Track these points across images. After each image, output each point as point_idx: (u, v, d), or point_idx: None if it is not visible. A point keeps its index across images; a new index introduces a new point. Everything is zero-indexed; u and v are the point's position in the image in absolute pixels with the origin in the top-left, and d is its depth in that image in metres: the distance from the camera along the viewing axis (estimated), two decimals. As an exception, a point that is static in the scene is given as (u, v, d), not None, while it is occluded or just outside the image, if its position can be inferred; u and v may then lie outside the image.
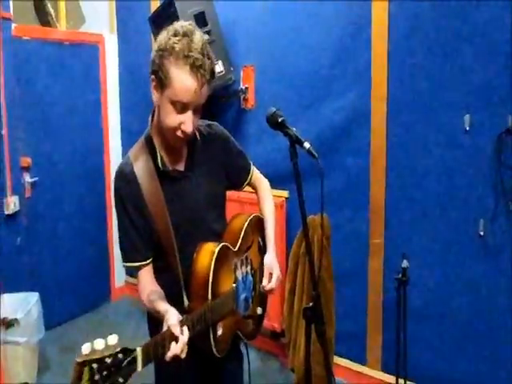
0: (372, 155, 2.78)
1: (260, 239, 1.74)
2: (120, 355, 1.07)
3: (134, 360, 1.11)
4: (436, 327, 2.67)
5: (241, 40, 3.26)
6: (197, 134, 1.50)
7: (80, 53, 3.88)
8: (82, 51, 3.90)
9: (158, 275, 1.50)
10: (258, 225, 1.72)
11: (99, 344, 1.03)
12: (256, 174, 1.76)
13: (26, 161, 3.48)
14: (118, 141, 4.24)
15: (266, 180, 1.80)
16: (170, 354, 1.20)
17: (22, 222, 3.47)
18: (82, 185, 3.93)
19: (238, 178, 1.70)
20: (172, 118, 1.34)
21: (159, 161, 1.43)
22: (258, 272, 1.70)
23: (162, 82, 1.33)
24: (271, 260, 1.59)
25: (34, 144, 3.56)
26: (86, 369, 1.00)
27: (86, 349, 1.02)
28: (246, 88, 3.24)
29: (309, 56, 2.97)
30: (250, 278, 1.61)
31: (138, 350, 1.11)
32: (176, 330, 1.22)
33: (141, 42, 3.94)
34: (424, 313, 2.69)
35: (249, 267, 1.62)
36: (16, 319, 2.81)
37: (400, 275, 2.48)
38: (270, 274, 1.56)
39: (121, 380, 1.07)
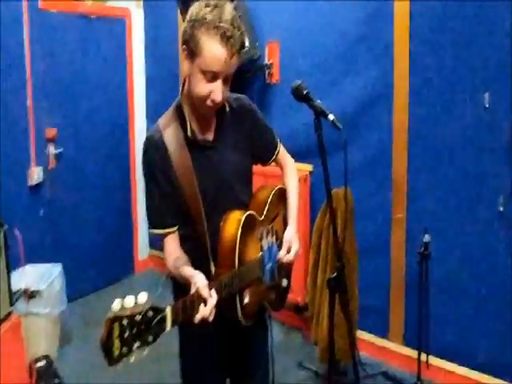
0: (394, 130, 2.78)
1: (285, 211, 1.73)
2: (150, 313, 1.07)
3: (164, 319, 1.11)
4: (458, 302, 2.66)
5: (266, 15, 3.27)
6: (226, 105, 1.52)
7: (106, 27, 3.86)
8: (109, 25, 3.88)
9: (185, 243, 1.51)
10: (283, 197, 1.72)
11: (129, 301, 1.03)
12: (282, 151, 1.75)
13: (52, 132, 3.48)
14: (143, 114, 4.24)
15: (292, 159, 1.80)
16: (198, 316, 1.22)
17: (46, 193, 3.47)
18: (106, 157, 3.91)
19: (265, 153, 1.70)
20: (202, 87, 1.36)
21: (189, 129, 1.45)
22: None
23: (193, 52, 1.35)
24: (291, 234, 1.59)
25: (60, 116, 3.55)
26: (116, 325, 1.00)
27: (116, 305, 1.01)
28: (271, 63, 3.25)
29: (333, 32, 2.98)
30: (275, 248, 1.61)
31: (168, 309, 1.12)
32: (205, 292, 1.24)
33: (167, 17, 3.93)
34: (446, 287, 2.69)
35: (274, 237, 1.63)
36: (38, 290, 2.80)
37: (422, 249, 2.49)
38: (289, 248, 1.56)
39: (150, 339, 1.07)
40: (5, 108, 3.13)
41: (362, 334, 3.01)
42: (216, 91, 1.36)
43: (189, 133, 1.45)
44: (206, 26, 1.32)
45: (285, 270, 1.70)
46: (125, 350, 1.02)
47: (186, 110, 1.48)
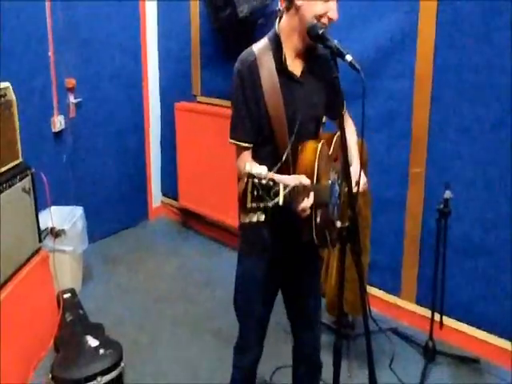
0: (417, 79, 2.63)
1: (341, 158, 1.74)
2: (270, 183, 1.21)
3: (277, 193, 1.22)
4: (476, 263, 2.60)
5: None
6: (317, 49, 1.65)
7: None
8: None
9: (265, 159, 1.57)
10: (341, 145, 1.75)
11: (256, 168, 1.20)
12: (348, 113, 1.84)
13: (71, 82, 3.55)
14: (156, 65, 4.25)
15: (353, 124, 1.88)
16: (302, 205, 1.39)
17: (68, 140, 3.60)
18: (122, 107, 4.01)
19: (337, 108, 1.68)
20: (320, 7, 1.52)
21: (283, 58, 1.59)
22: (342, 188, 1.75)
23: None
24: (357, 170, 1.66)
25: (78, 66, 3.61)
26: (250, 181, 1.18)
27: (248, 166, 1.20)
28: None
29: None
30: (337, 186, 1.69)
31: (281, 186, 1.23)
32: (307, 181, 1.42)
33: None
34: (463, 247, 2.62)
35: (337, 176, 1.71)
36: (63, 230, 3.03)
37: (442, 206, 2.40)
38: (357, 182, 1.63)
39: (269, 204, 1.20)
40: (28, 58, 3.19)
41: (372, 290, 2.97)
42: (333, 9, 1.53)
43: (282, 62, 1.58)
44: None
45: (341, 215, 1.77)
46: (254, 205, 1.19)
47: (284, 42, 1.60)
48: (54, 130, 3.44)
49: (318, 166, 1.51)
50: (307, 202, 1.40)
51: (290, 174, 1.52)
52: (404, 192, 2.79)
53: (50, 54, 3.34)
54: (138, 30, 4.03)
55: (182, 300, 3.22)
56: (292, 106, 1.60)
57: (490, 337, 2.60)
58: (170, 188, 4.37)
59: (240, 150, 1.64)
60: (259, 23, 3.18)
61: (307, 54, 1.64)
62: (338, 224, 1.69)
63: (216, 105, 3.74)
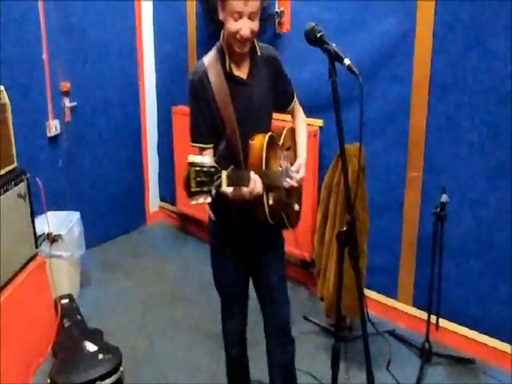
0: (414, 83, 2.63)
1: (295, 147, 1.97)
2: (212, 169, 1.38)
3: (219, 178, 1.40)
4: (472, 266, 2.62)
5: None
6: (258, 50, 1.81)
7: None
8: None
9: (221, 159, 1.74)
10: (294, 136, 1.98)
11: (198, 157, 1.38)
12: (297, 103, 2.00)
13: (66, 85, 3.53)
14: (153, 68, 4.23)
15: (303, 114, 2.04)
16: (248, 189, 1.54)
17: (63, 144, 3.58)
18: (118, 110, 4.00)
19: (285, 101, 1.95)
20: (232, 26, 1.66)
21: (227, 66, 1.75)
22: None
23: (223, 0, 1.65)
24: (301, 162, 1.87)
25: (73, 70, 3.59)
26: (193, 169, 1.35)
27: (191, 157, 1.37)
28: (282, 11, 3.10)
29: None
30: (289, 172, 1.83)
31: (224, 173, 1.41)
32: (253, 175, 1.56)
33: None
34: (460, 250, 2.63)
35: (289, 164, 1.87)
36: (60, 235, 3.02)
37: (438, 209, 2.42)
38: (297, 171, 1.84)
39: (212, 190, 1.38)
40: (22, 61, 3.16)
41: (369, 293, 2.99)
42: (243, 27, 1.65)
43: (227, 69, 1.75)
44: None
45: (296, 196, 1.97)
46: (198, 189, 1.35)
47: (226, 51, 1.77)
48: (49, 135, 3.41)
49: (266, 154, 1.67)
50: (256, 186, 1.55)
51: (245, 168, 1.70)
52: (401, 196, 2.80)
53: (44, 57, 3.31)
54: (134, 32, 4.01)
55: (181, 304, 3.22)
56: (241, 107, 1.76)
57: (486, 338, 2.62)
58: (167, 193, 4.37)
59: (202, 151, 1.80)
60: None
61: (251, 57, 1.80)
62: (296, 207, 1.95)
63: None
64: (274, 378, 2.04)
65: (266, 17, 3.08)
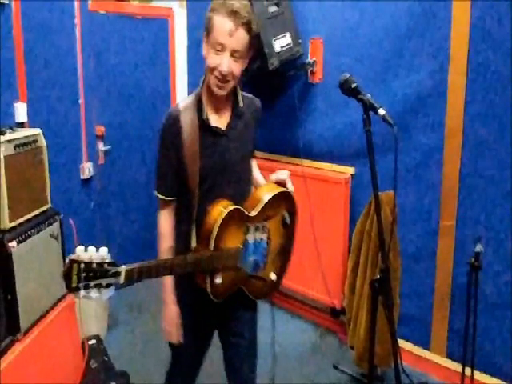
0: (447, 132, 2.64)
1: (286, 214, 1.77)
2: (106, 265, 1.32)
3: (119, 274, 1.36)
4: (507, 317, 2.54)
5: (309, 12, 3.19)
6: (241, 100, 1.69)
7: (150, 26, 3.96)
8: (153, 25, 3.98)
9: (179, 213, 1.72)
10: (287, 201, 1.77)
11: (90, 250, 1.32)
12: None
13: (100, 129, 3.64)
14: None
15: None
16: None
17: (96, 186, 3.66)
18: (150, 154, 4.05)
19: (252, 150, 1.84)
20: (212, 59, 1.54)
21: (204, 114, 1.61)
22: (278, 243, 1.76)
23: (208, 31, 1.55)
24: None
25: (108, 114, 3.71)
26: (75, 266, 1.29)
27: (79, 251, 1.30)
28: (314, 61, 3.16)
29: (381, 27, 2.85)
30: (263, 244, 1.70)
31: (123, 268, 1.36)
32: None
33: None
34: (495, 301, 2.56)
35: (265, 235, 1.70)
36: None
37: (472, 260, 2.37)
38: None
39: (104, 284, 1.34)
40: (60, 106, 3.27)
41: (401, 343, 2.85)
42: (223, 63, 1.52)
43: (204, 117, 1.61)
44: (218, 6, 1.53)
45: (278, 266, 1.78)
46: (81, 285, 1.31)
47: (205, 98, 1.64)
48: (82, 177, 3.48)
49: (219, 231, 1.53)
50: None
51: (197, 232, 1.60)
52: (434, 245, 2.76)
53: (81, 101, 3.42)
54: (168, 78, 4.12)
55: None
56: (216, 158, 1.63)
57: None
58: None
59: (163, 202, 1.71)
60: (289, 75, 3.19)
61: (233, 106, 1.68)
62: (273, 277, 1.77)
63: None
64: None
65: (299, 66, 3.16)
